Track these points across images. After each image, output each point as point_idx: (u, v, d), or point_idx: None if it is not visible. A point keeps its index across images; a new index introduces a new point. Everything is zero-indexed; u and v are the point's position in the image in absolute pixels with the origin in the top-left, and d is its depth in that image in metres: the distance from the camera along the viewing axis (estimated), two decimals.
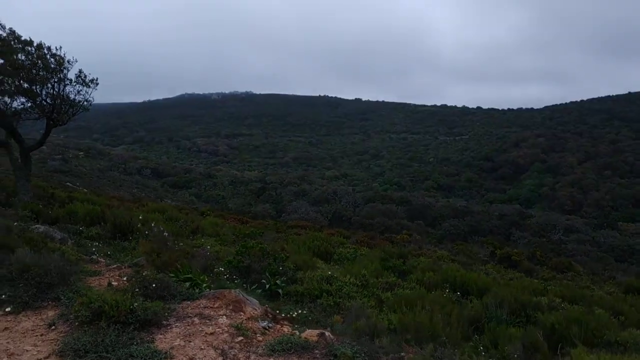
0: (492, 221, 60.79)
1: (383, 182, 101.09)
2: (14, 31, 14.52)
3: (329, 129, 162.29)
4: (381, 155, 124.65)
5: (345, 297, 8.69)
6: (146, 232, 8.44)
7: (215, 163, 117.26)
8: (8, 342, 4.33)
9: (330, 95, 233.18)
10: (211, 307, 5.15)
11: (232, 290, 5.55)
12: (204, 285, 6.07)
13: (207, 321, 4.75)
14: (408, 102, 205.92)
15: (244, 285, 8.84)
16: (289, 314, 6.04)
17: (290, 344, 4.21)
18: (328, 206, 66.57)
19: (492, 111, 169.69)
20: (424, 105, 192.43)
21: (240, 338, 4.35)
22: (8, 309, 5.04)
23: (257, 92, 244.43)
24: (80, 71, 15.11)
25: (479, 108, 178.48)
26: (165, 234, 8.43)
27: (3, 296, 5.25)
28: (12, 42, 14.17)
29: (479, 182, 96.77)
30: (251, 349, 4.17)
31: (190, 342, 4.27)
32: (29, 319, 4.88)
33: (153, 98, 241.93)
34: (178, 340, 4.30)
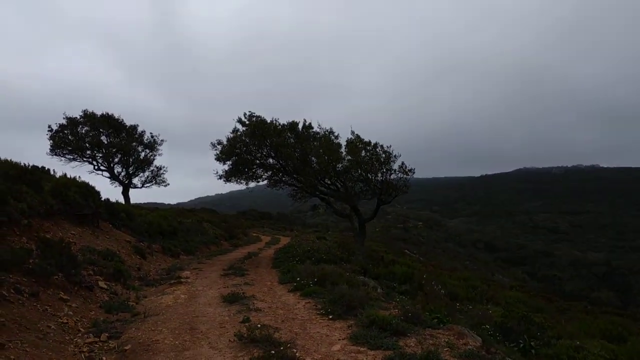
0: None
1: None
2: (358, 135, 20.13)
3: None
4: None
5: None
6: (427, 288, 11.51)
7: (554, 241, 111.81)
8: (327, 331, 8.06)
9: None
10: (442, 334, 7.90)
11: (460, 326, 8.20)
12: (448, 324, 8.83)
13: (434, 339, 7.54)
14: None
15: (505, 342, 10.98)
16: None
17: (473, 355, 6.70)
18: None
19: None
20: None
21: (447, 349, 7.05)
22: (330, 317, 8.90)
23: (604, 166, 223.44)
24: (402, 163, 19.65)
25: None
26: (442, 291, 11.41)
27: (329, 309, 9.18)
28: (358, 144, 19.68)
29: None
30: (448, 353, 6.85)
31: (419, 345, 7.20)
32: (339, 322, 8.59)
33: (490, 172, 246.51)
34: (412, 344, 7.28)
